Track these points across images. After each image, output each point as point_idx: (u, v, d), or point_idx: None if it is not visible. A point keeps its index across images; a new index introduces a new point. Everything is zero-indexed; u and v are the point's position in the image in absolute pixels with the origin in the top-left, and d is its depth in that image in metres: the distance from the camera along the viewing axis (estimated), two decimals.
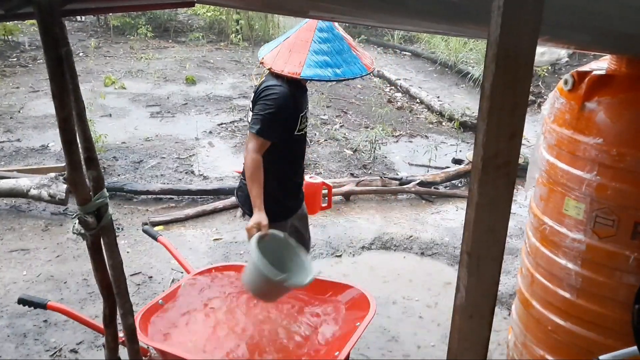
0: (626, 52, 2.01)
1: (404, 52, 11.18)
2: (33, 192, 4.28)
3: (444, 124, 7.17)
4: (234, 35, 10.84)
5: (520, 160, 4.58)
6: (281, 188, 2.64)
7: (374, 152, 5.92)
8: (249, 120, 2.55)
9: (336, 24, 2.50)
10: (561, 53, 8.35)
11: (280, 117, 2.45)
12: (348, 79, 2.47)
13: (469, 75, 9.01)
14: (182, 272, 3.51)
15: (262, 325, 2.20)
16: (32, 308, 2.26)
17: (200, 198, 4.78)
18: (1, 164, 5.25)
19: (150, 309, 2.24)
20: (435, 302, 3.49)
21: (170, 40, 10.82)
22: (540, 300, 2.31)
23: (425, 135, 6.79)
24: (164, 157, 5.66)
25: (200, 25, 11.74)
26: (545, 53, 8.17)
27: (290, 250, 2.25)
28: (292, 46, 2.44)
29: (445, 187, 5.32)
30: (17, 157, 5.45)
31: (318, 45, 2.41)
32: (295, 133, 2.58)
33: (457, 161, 5.88)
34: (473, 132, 6.53)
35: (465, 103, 7.95)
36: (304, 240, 2.91)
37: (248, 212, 2.60)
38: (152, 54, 9.64)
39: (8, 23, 8.78)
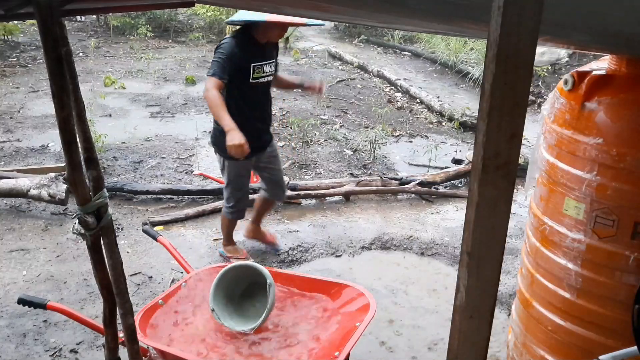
0: (626, 52, 2.01)
1: (404, 52, 11.18)
2: (33, 192, 4.28)
3: (444, 124, 7.17)
4: None
5: (520, 160, 4.57)
6: (240, 127, 3.04)
7: (374, 152, 5.92)
8: None
9: None
10: (561, 53, 8.35)
11: (227, 61, 3.08)
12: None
13: (469, 75, 9.01)
14: (182, 272, 3.51)
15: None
16: (32, 308, 2.26)
17: (200, 198, 4.78)
18: (1, 164, 5.24)
19: (150, 309, 2.24)
20: (435, 302, 3.49)
21: (170, 40, 10.82)
22: (540, 300, 2.31)
23: (425, 135, 6.79)
24: (163, 157, 5.66)
25: (200, 25, 11.75)
26: (545, 53, 8.17)
27: (260, 280, 2.24)
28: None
29: (445, 187, 5.32)
30: (16, 157, 5.45)
31: None
32: (250, 80, 3.20)
33: (457, 161, 5.88)
34: (473, 132, 6.53)
35: (465, 103, 7.94)
36: (274, 176, 3.62)
37: (219, 151, 3.30)
38: (152, 54, 9.64)
39: (8, 23, 8.78)
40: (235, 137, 2.94)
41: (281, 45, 11.34)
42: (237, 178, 3.42)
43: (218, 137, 3.21)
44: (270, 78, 3.36)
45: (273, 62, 3.35)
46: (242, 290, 2.33)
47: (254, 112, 3.33)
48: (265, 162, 3.54)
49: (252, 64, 3.18)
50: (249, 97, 3.26)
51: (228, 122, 2.98)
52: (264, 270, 2.19)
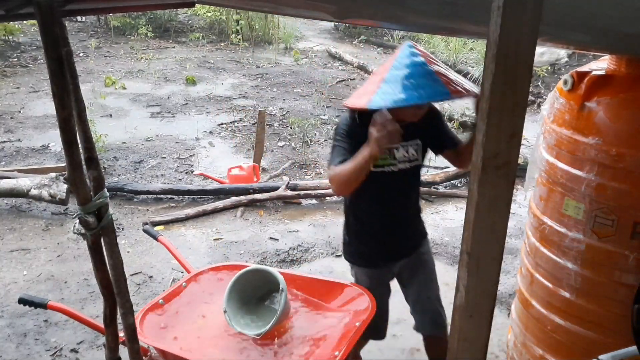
0: (626, 52, 2.01)
1: None
2: (33, 192, 4.28)
3: None
4: (234, 35, 10.85)
5: (520, 160, 4.58)
6: (361, 230, 2.44)
7: None
8: None
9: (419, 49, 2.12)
10: (561, 53, 8.36)
11: (344, 146, 2.22)
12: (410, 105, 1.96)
13: (469, 75, 9.01)
14: (182, 272, 3.51)
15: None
16: (33, 308, 2.26)
17: (201, 198, 4.78)
18: (2, 164, 5.25)
19: (151, 309, 2.24)
20: None
21: (170, 41, 10.83)
22: (540, 300, 2.31)
23: None
24: (164, 157, 5.66)
25: (201, 26, 11.75)
26: (545, 53, 8.17)
27: (273, 286, 2.20)
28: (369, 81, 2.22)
29: (445, 187, 5.32)
30: (17, 157, 5.45)
31: (392, 73, 2.07)
32: (372, 169, 2.17)
33: None
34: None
35: (465, 103, 7.94)
36: (420, 296, 2.54)
37: (347, 257, 2.53)
38: (152, 54, 9.64)
39: (8, 23, 8.79)
40: (374, 128, 1.96)
41: (281, 46, 11.38)
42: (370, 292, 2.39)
43: (344, 245, 2.53)
44: (410, 165, 2.32)
45: (415, 144, 2.30)
46: (261, 294, 2.32)
47: (385, 209, 2.40)
48: (409, 274, 2.52)
49: None
50: (375, 190, 2.29)
51: (361, 152, 2.05)
52: (278, 275, 2.17)
